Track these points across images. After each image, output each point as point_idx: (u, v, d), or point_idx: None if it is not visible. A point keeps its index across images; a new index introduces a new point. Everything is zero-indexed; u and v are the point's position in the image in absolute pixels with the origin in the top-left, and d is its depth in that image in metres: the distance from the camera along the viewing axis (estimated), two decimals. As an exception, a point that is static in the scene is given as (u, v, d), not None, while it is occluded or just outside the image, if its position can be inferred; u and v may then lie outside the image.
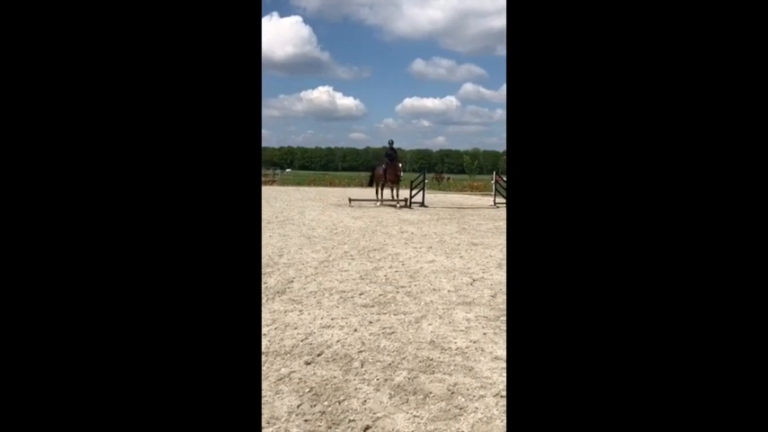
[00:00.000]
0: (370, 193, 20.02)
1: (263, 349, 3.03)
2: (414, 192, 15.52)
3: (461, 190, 29.12)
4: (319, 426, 2.15)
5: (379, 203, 14.95)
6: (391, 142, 15.90)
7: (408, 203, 15.41)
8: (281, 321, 3.60)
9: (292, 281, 4.89)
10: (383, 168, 15.48)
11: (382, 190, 15.77)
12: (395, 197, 15.16)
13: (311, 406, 2.32)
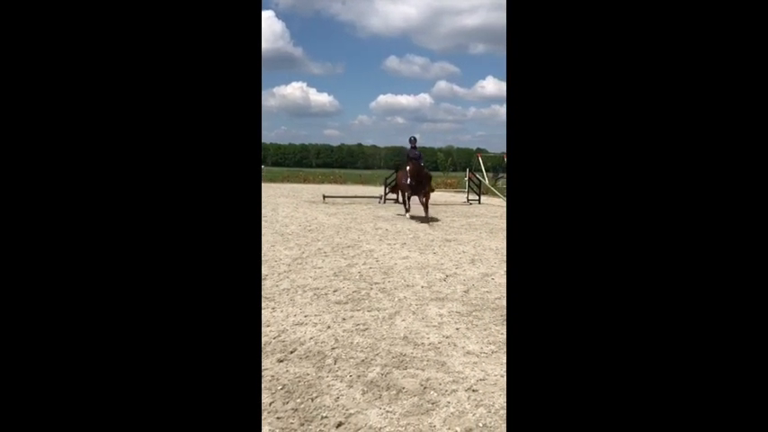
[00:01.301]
0: (344, 190, 19.91)
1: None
2: (388, 189, 15.49)
3: (435, 187, 29.20)
4: (292, 423, 2.14)
5: (407, 215, 11.29)
6: (413, 139, 11.85)
7: (383, 200, 15.00)
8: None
9: (265, 278, 4.84)
10: (406, 176, 11.11)
11: (409, 200, 11.73)
12: (409, 209, 11.44)
13: (284, 403, 2.31)
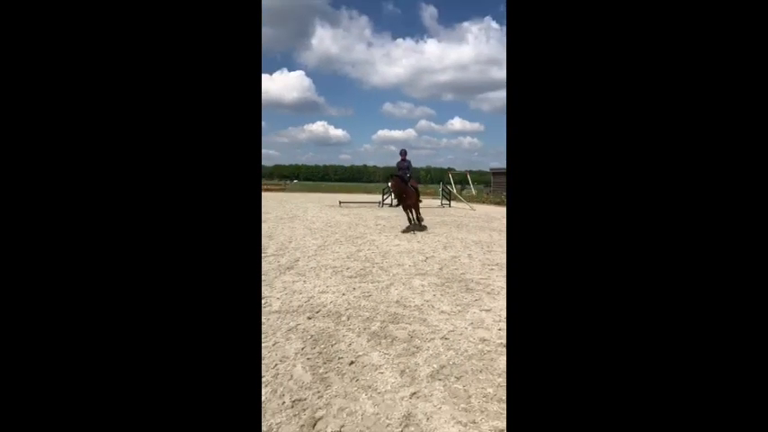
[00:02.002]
0: (354, 197, 19.85)
1: (277, 309, 3.00)
2: (384, 197, 15.46)
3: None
4: (318, 362, 2.14)
5: (410, 228, 8.08)
6: (404, 152, 8.10)
7: (381, 204, 14.50)
8: (290, 289, 3.57)
9: (298, 260, 4.83)
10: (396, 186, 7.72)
11: (407, 211, 8.33)
12: (412, 220, 8.37)
13: (312, 348, 2.31)
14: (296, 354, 2.22)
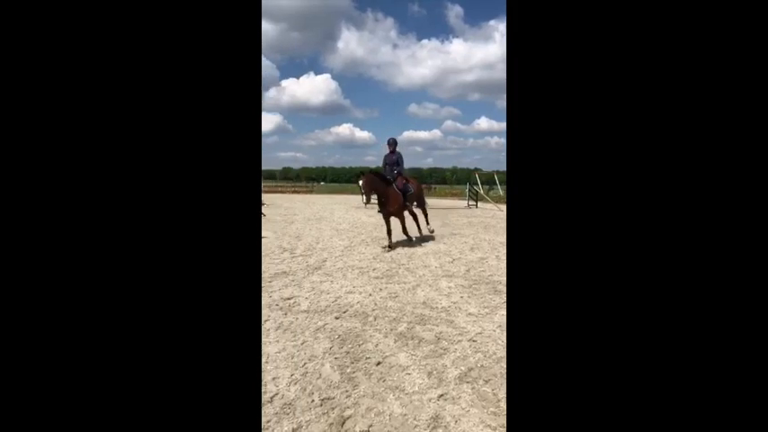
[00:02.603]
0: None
1: (305, 308, 3.05)
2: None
3: (444, 196, 28.99)
4: (345, 361, 2.16)
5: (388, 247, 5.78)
6: (392, 142, 6.08)
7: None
8: (318, 289, 3.61)
9: (325, 260, 4.89)
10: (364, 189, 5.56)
11: (387, 221, 5.92)
12: (398, 236, 6.30)
13: (339, 348, 2.33)
14: (324, 353, 2.25)
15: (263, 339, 2.43)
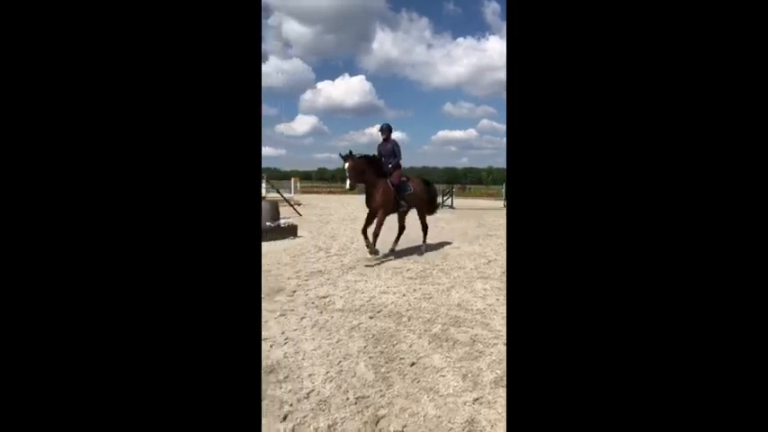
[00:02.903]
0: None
1: (340, 307, 3.09)
2: (445, 198, 15.27)
3: (480, 196, 28.49)
4: (380, 361, 2.17)
5: (372, 256, 4.83)
6: (385, 128, 5.09)
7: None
8: (353, 288, 3.66)
9: (359, 260, 4.94)
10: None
11: (366, 228, 4.89)
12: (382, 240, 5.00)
13: (374, 347, 2.35)
14: (358, 352, 2.27)
15: (300, 336, 2.49)
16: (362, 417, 1.64)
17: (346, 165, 4.51)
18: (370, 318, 2.86)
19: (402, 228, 5.63)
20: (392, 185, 4.91)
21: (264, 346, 2.33)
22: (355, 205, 16.37)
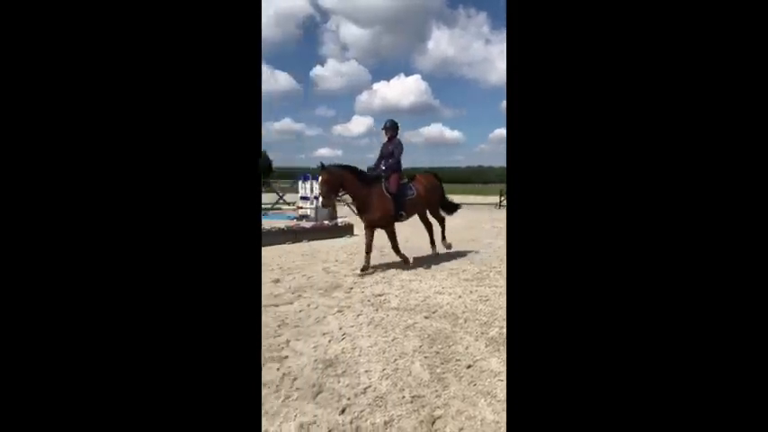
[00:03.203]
0: (469, 199, 19.26)
1: (395, 306, 3.12)
2: (502, 198, 14.78)
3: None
4: (435, 361, 2.16)
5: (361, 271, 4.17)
6: (389, 125, 4.45)
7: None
8: (407, 287, 3.67)
9: (414, 259, 4.94)
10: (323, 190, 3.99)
11: (368, 234, 4.34)
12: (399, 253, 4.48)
13: (429, 347, 2.34)
14: (414, 351, 2.27)
15: (356, 333, 2.54)
16: (418, 416, 1.65)
17: (320, 179, 3.99)
18: (426, 318, 2.85)
19: (428, 225, 5.11)
20: (387, 192, 4.26)
21: (323, 340, 2.42)
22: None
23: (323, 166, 4.03)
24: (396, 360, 2.16)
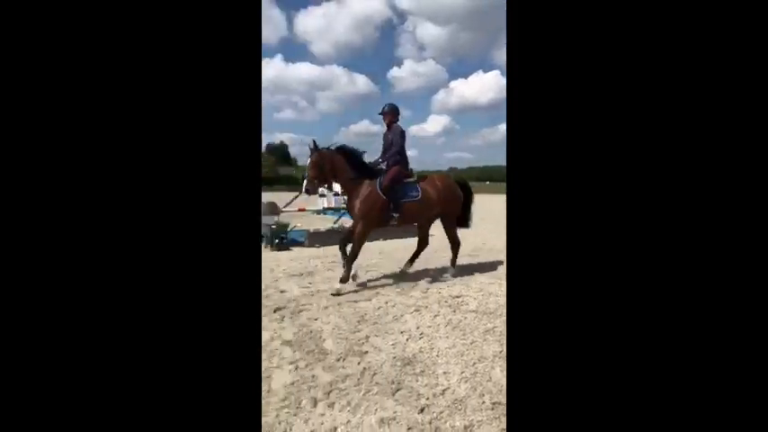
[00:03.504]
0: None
1: (473, 308, 3.05)
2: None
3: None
4: (517, 369, 2.07)
5: (340, 284, 3.43)
6: (388, 109, 3.62)
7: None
8: (486, 290, 3.56)
9: (492, 262, 4.79)
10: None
11: (353, 246, 3.51)
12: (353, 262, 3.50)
13: (510, 353, 2.25)
14: (494, 356, 2.21)
15: (434, 333, 2.54)
16: (500, 424, 1.60)
17: (309, 161, 3.37)
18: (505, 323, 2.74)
19: (422, 241, 4.11)
20: (379, 191, 3.49)
21: (401, 338, 2.46)
22: (484, 205, 15.90)
23: (315, 146, 3.41)
24: (474, 364, 2.12)
